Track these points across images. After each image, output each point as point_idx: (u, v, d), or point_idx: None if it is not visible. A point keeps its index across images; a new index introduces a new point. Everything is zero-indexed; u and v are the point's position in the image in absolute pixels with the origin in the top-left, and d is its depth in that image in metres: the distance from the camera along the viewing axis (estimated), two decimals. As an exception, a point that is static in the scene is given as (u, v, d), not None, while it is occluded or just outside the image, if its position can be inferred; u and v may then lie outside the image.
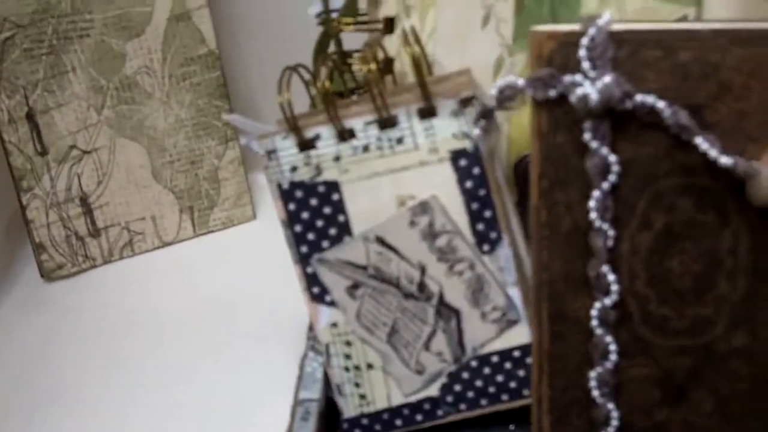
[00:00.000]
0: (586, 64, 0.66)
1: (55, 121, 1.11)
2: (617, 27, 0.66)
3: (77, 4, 1.07)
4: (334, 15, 0.85)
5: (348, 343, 0.80)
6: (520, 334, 0.79)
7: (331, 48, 0.86)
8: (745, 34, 0.67)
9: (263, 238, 1.18)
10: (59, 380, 1.01)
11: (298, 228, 0.78)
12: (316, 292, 0.80)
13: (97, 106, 1.12)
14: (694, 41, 0.67)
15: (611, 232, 0.70)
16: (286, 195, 0.78)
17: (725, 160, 0.66)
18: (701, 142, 0.66)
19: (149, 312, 1.09)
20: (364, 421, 0.82)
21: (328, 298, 0.80)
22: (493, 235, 0.77)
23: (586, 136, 0.68)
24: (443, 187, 0.77)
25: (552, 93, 0.67)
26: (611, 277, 0.70)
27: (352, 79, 0.83)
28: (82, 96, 1.11)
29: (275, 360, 0.95)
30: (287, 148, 0.77)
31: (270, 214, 1.17)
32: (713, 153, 0.66)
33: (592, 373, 0.73)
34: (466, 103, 0.75)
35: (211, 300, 1.10)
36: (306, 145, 0.77)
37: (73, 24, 1.08)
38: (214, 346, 1.03)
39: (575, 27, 0.66)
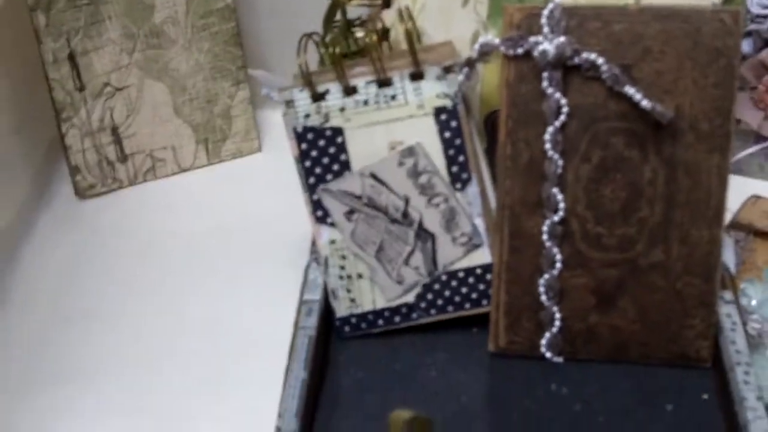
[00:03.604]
0: (546, 29, 0.85)
1: (92, 62, 1.20)
2: (569, 4, 0.84)
3: (113, -40, 1.16)
4: None
5: (343, 257, 0.93)
6: (483, 256, 0.92)
7: (338, 17, 1.00)
8: (662, 11, 0.85)
9: (268, 168, 1.27)
10: (89, 291, 1.10)
11: (307, 163, 0.91)
12: (320, 215, 0.92)
13: (129, 50, 1.22)
14: (625, 16, 0.85)
15: (560, 162, 0.87)
16: (299, 136, 0.91)
17: (646, 104, 0.84)
18: (629, 89, 0.84)
19: (169, 230, 1.18)
20: (353, 320, 0.94)
21: (329, 220, 0.92)
22: (464, 175, 0.91)
23: (544, 83, 0.86)
24: (426, 136, 0.91)
25: (519, 50, 0.86)
26: (559, 197, 0.87)
27: (355, 44, 0.97)
28: (116, 41, 1.21)
29: (283, 270, 1.04)
30: (302, 99, 0.90)
31: (274, 147, 1.30)
32: (637, 97, 0.84)
33: (541, 280, 0.89)
34: (448, 69, 0.90)
35: (222, 221, 1.18)
36: (318, 97, 0.90)
37: (110, -21, 1.17)
38: (227, 262, 1.12)
39: (538, 4, 0.84)
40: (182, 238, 1.17)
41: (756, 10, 1.13)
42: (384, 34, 0.96)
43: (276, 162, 1.20)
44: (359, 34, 0.95)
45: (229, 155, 1.31)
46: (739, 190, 1.10)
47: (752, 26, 1.13)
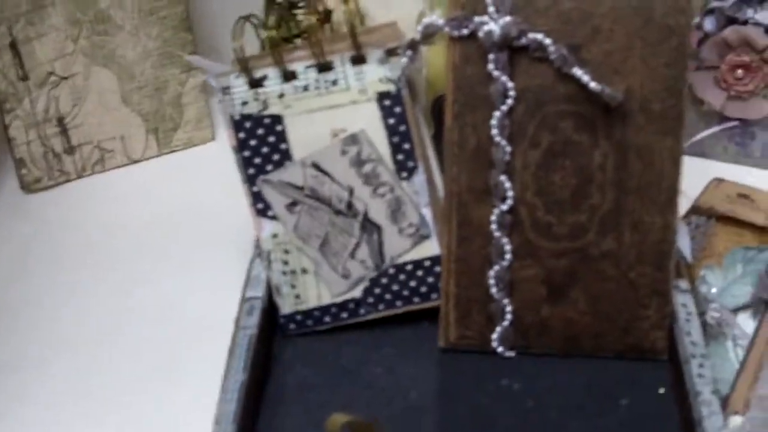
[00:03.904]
0: (491, 8, 0.81)
1: (35, 50, 1.16)
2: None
3: (56, -55, 1.13)
4: None
5: (286, 251, 0.90)
6: (431, 247, 0.90)
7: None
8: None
9: (221, 157, 1.13)
10: (36, 284, 1.08)
11: (246, 153, 0.88)
12: (261, 207, 0.89)
13: (74, 37, 1.18)
14: (574, -6, 0.80)
15: (508, 148, 0.84)
16: (237, 125, 0.88)
17: (594, 86, 0.81)
18: (577, 70, 0.81)
19: (117, 222, 1.15)
20: (298, 317, 0.91)
21: (270, 213, 0.89)
22: (410, 164, 0.89)
23: (490, 66, 0.83)
24: (370, 123, 0.87)
25: (464, 31, 0.83)
26: (507, 185, 0.85)
27: (296, 27, 0.94)
28: (60, 27, 1.17)
29: (228, 264, 1.03)
30: (239, 85, 0.87)
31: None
32: (586, 79, 0.81)
33: (491, 272, 0.86)
34: (391, 52, 0.86)
35: (173, 212, 1.16)
36: (255, 83, 0.87)
37: (52, -38, 1.13)
38: (175, 254, 1.10)
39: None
40: (130, 231, 1.15)
41: (718, -14, 1.09)
42: (326, 15, 0.92)
43: (230, 151, 1.15)
44: (300, 16, 0.92)
45: (181, 145, 1.28)
46: (702, 174, 1.08)
47: (715, 3, 1.10)
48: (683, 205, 0.91)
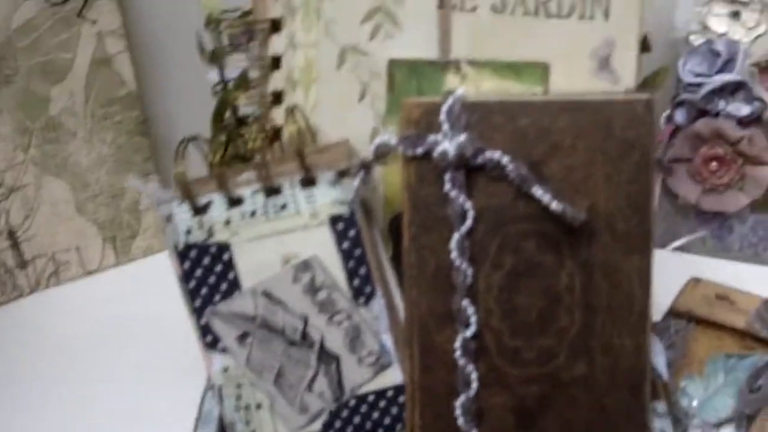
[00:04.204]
0: (445, 126, 0.77)
1: None
2: (470, 98, 0.77)
3: (3, 51, 1.10)
4: (231, 83, 0.91)
5: (238, 386, 0.85)
6: (393, 376, 0.85)
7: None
8: (570, 103, 0.78)
9: None
10: None
11: (192, 284, 0.84)
12: (209, 340, 0.85)
13: (24, 146, 1.15)
14: (530, 109, 0.78)
15: (469, 271, 0.80)
16: (181, 255, 0.84)
17: (556, 206, 0.76)
18: (537, 190, 0.77)
19: (72, 338, 1.10)
20: None
21: (220, 346, 0.84)
22: (367, 289, 0.84)
23: (446, 186, 0.78)
24: (323, 248, 0.83)
25: (419, 150, 0.78)
26: (470, 310, 0.80)
27: (244, 146, 0.90)
28: (8, 137, 1.13)
29: (180, 395, 0.96)
30: (182, 212, 0.83)
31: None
32: (546, 199, 0.76)
33: (457, 402, 0.82)
34: (343, 173, 0.82)
35: (131, 326, 1.11)
36: (199, 210, 0.83)
37: (-2, 71, 1.11)
38: (124, 379, 1.05)
39: (438, 98, 0.77)
40: (84, 351, 1.10)
41: (688, 78, 1.06)
42: (275, 134, 0.88)
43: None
44: (248, 135, 0.88)
45: (140, 253, 1.25)
46: (680, 270, 1.05)
47: (685, 95, 1.06)
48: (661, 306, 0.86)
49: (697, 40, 1.08)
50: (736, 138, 1.05)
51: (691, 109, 1.07)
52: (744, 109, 1.05)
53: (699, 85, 1.06)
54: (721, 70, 1.05)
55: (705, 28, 1.09)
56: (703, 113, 1.06)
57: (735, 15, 1.08)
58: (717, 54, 1.06)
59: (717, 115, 1.06)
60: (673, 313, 0.99)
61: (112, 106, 1.18)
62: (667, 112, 1.07)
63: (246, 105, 0.90)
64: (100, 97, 1.18)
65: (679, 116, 1.07)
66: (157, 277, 1.15)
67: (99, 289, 1.20)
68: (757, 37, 1.08)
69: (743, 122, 1.06)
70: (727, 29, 1.08)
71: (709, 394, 0.91)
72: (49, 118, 1.16)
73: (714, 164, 1.07)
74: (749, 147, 1.05)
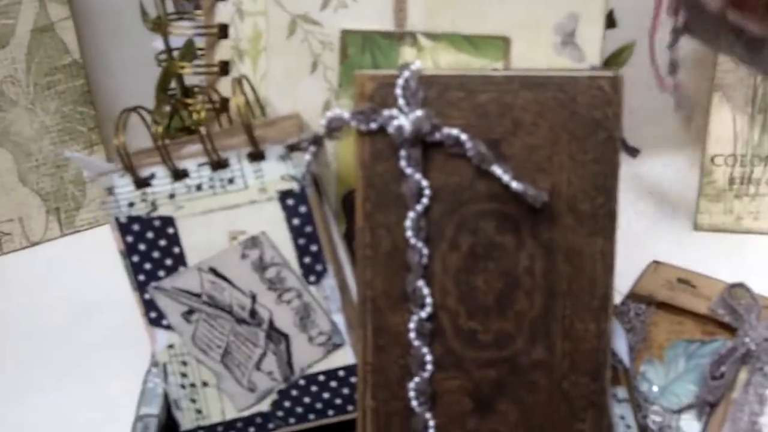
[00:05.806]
0: (401, 101, 0.73)
1: None
2: (427, 72, 0.74)
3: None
4: (175, 54, 0.87)
5: (184, 363, 0.82)
6: (344, 356, 0.82)
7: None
8: (533, 79, 0.74)
9: None
10: None
11: (135, 258, 0.81)
12: (153, 316, 0.81)
13: None
14: (491, 85, 0.74)
15: (425, 251, 0.76)
16: (123, 228, 0.80)
17: (516, 186, 0.73)
18: (496, 168, 0.73)
19: (13, 313, 1.09)
20: None
21: (164, 322, 0.81)
22: (318, 267, 0.81)
23: (402, 163, 0.75)
24: (272, 224, 0.80)
25: (373, 125, 0.75)
26: (426, 291, 0.77)
27: (190, 117, 0.86)
28: None
29: (125, 370, 0.94)
30: (124, 185, 0.79)
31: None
32: (506, 178, 0.73)
33: (411, 384, 0.78)
34: (293, 147, 0.79)
35: (73, 301, 1.10)
36: (142, 183, 0.79)
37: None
38: (67, 354, 1.03)
39: (393, 71, 0.73)
40: (26, 323, 1.08)
41: None
42: (222, 105, 0.84)
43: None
44: (192, 108, 0.83)
45: (85, 225, 1.22)
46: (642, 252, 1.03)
47: None
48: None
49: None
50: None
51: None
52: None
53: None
54: None
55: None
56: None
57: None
58: None
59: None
60: (633, 296, 0.97)
61: (55, 74, 1.15)
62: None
63: (192, 75, 0.85)
64: (43, 65, 1.14)
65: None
66: (102, 250, 1.13)
67: (42, 261, 1.18)
68: None
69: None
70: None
71: (670, 379, 0.89)
72: (-10, 85, 1.12)
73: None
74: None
